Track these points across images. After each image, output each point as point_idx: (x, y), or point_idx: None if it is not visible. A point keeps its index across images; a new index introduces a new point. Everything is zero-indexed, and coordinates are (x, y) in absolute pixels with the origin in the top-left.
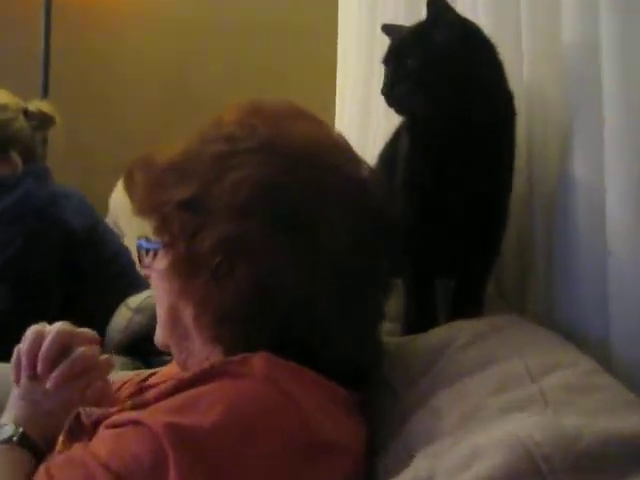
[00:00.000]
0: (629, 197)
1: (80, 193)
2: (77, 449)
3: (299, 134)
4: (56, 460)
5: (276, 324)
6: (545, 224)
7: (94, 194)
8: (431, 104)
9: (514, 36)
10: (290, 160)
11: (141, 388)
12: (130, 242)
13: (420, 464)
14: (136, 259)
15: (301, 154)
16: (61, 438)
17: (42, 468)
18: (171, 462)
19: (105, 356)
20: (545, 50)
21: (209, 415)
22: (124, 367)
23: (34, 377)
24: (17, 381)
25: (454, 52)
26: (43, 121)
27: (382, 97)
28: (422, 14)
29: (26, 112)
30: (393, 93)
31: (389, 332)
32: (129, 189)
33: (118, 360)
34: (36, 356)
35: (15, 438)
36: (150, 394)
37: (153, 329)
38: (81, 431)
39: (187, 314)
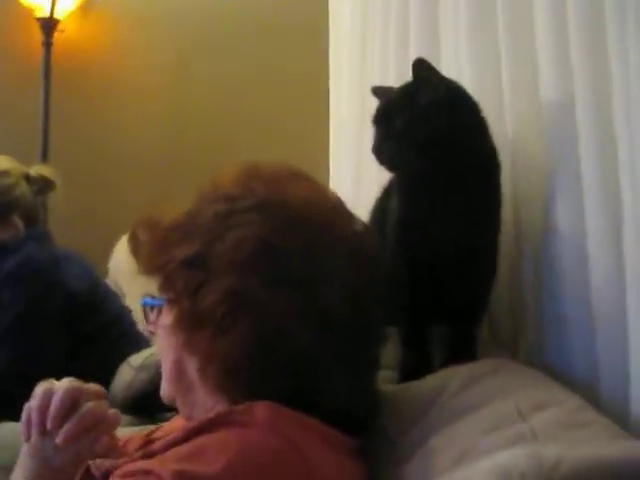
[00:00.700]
0: (610, 244)
1: (80, 255)
2: None
3: (295, 194)
4: None
5: (278, 374)
6: (533, 273)
7: (94, 256)
8: (419, 162)
9: (496, 94)
10: (287, 220)
11: (148, 441)
12: (132, 302)
13: None
14: (139, 317)
15: (297, 214)
16: None
17: None
18: None
19: (113, 410)
20: (526, 106)
21: (216, 463)
22: (129, 425)
23: (44, 432)
24: (27, 439)
25: (439, 112)
26: (44, 186)
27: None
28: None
29: (28, 177)
30: (383, 152)
31: (387, 379)
32: (134, 248)
33: (123, 418)
34: (46, 412)
35: None
36: (158, 445)
37: (157, 386)
38: None
39: (192, 367)
